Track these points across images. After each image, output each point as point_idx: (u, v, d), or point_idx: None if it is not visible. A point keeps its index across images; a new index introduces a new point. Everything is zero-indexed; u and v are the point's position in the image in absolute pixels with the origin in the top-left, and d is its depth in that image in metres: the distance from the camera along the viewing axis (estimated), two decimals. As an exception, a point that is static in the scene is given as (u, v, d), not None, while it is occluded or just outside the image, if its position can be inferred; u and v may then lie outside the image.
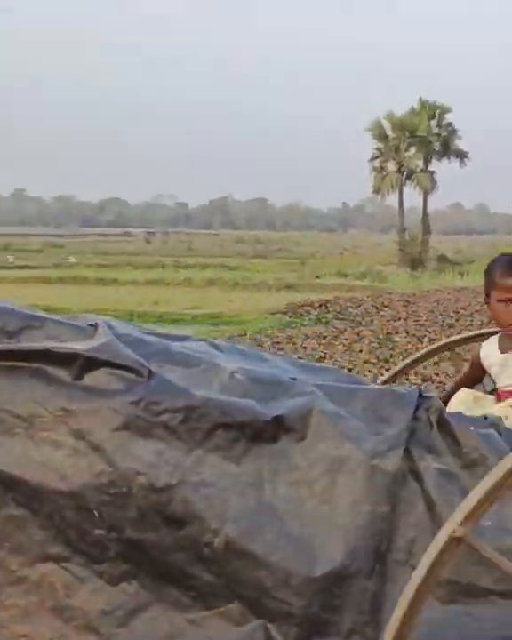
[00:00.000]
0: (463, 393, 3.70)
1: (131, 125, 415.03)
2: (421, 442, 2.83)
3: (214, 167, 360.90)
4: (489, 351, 3.87)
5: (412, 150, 61.72)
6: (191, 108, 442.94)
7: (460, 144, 61.69)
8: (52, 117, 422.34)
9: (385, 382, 4.52)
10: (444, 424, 2.89)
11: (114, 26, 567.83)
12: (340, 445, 2.81)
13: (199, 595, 2.77)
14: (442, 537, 2.42)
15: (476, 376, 4.02)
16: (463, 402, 3.62)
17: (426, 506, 2.74)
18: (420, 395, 2.99)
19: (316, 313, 23.51)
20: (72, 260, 52.21)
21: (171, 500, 2.79)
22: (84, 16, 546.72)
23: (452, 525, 2.42)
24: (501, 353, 3.80)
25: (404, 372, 4.91)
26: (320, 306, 24.91)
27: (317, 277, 38.55)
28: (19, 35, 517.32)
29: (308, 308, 24.40)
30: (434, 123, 61.92)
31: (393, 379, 4.71)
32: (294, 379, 3.07)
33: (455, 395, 3.74)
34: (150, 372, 2.91)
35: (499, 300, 3.70)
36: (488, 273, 3.80)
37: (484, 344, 3.94)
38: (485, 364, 3.89)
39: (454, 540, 2.41)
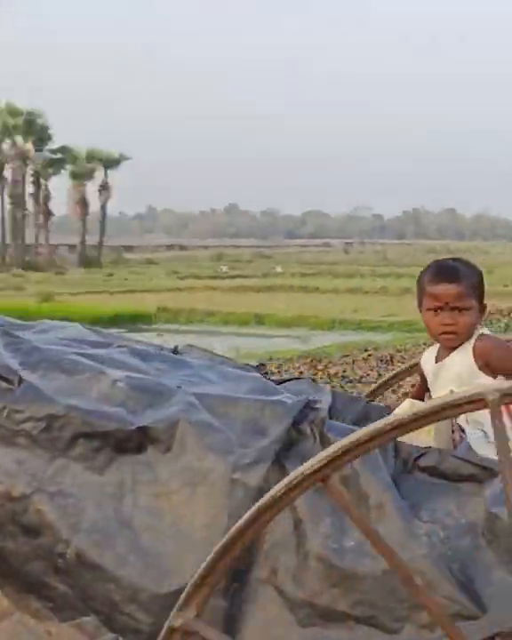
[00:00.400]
0: (406, 404, 3.21)
1: (327, 140, 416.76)
2: (301, 455, 2.50)
3: (407, 179, 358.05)
4: (427, 359, 3.33)
5: None
6: (387, 123, 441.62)
7: None
8: (261, 136, 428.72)
9: (369, 395, 4.14)
10: (326, 437, 2.58)
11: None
12: (203, 457, 2.55)
13: (57, 606, 2.59)
14: (301, 470, 2.07)
15: (425, 385, 3.43)
16: (405, 413, 3.17)
17: (293, 523, 2.43)
18: (306, 406, 2.68)
19: (506, 320, 22.98)
20: (278, 269, 52.76)
21: (26, 510, 2.62)
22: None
23: (312, 463, 2.05)
24: (436, 362, 3.26)
25: (389, 384, 4.37)
26: (510, 313, 24.36)
27: (505, 285, 37.58)
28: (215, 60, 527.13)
29: (498, 315, 23.86)
30: None
31: (381, 390, 4.32)
32: (179, 387, 2.80)
33: (399, 406, 3.28)
34: (20, 379, 2.75)
35: (428, 309, 3.17)
36: (418, 280, 3.27)
37: (425, 352, 3.38)
38: (424, 371, 3.36)
39: (310, 477, 2.04)
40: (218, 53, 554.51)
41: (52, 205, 71.40)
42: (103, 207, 73.77)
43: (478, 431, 2.97)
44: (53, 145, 70.57)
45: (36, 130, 68.07)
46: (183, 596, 2.12)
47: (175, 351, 3.48)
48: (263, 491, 2.40)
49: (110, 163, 71.81)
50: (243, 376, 3.13)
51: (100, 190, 72.53)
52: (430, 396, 3.34)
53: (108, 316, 26.44)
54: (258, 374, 3.29)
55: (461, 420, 2.98)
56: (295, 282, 40.05)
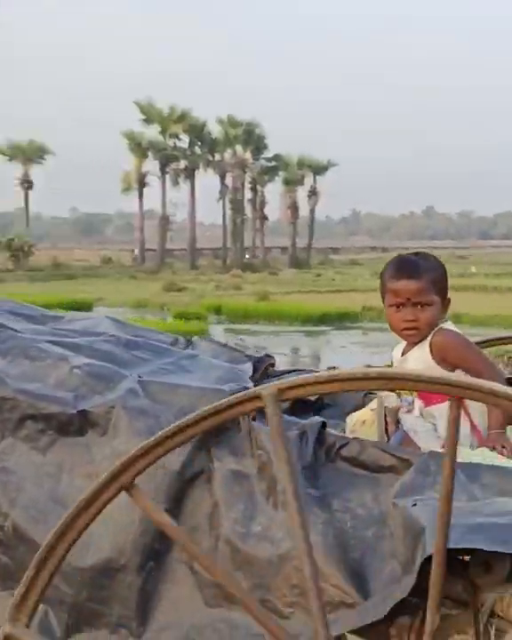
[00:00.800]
0: (376, 400, 2.98)
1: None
2: (229, 443, 2.45)
3: None
4: (395, 353, 3.06)
5: None
6: None
7: None
8: (456, 139, 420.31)
9: None
10: (254, 426, 2.47)
11: None
12: (130, 441, 2.48)
13: (3, 575, 2.58)
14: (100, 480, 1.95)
15: None
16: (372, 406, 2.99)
17: (211, 507, 2.39)
18: None
19: None
20: (473, 270, 52.09)
21: None
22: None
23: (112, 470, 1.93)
24: (401, 356, 3.01)
25: None
26: None
27: None
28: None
29: None
30: None
31: None
32: (130, 374, 2.76)
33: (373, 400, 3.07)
34: None
35: (390, 305, 2.95)
36: (381, 276, 3.04)
37: (396, 347, 3.09)
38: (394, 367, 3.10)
39: (109, 483, 1.94)
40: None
41: (266, 210, 72.91)
42: (312, 211, 74.52)
43: (429, 424, 2.84)
44: (268, 153, 71.67)
45: (253, 139, 69.27)
46: (14, 602, 1.99)
47: (189, 342, 3.46)
48: (183, 474, 2.42)
49: (319, 169, 72.31)
50: (220, 366, 3.02)
51: (309, 195, 73.27)
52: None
53: (317, 314, 26.68)
54: (248, 365, 3.15)
55: (415, 412, 2.87)
56: (489, 282, 39.47)
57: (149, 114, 66.74)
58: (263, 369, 3.25)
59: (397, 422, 2.87)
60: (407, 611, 2.13)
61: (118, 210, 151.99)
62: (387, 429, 2.85)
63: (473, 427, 2.78)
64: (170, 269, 60.20)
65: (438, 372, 1.65)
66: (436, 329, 2.92)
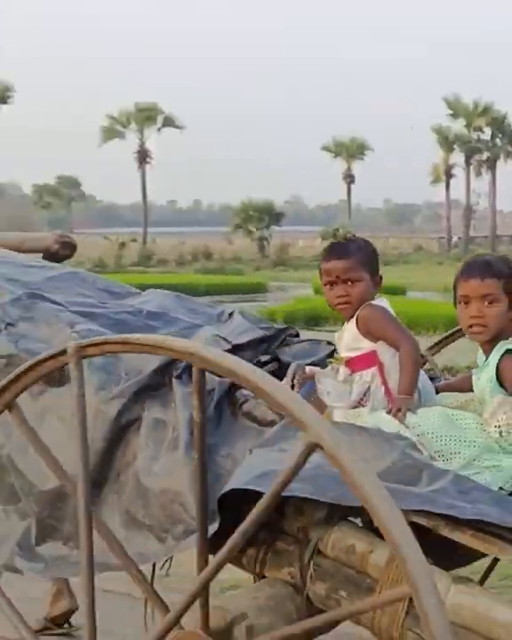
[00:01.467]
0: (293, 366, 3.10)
1: None
2: (161, 397, 2.66)
3: None
4: (342, 328, 3.10)
5: None
6: None
7: None
8: None
9: None
10: (174, 382, 2.67)
11: None
12: (88, 392, 2.54)
13: (8, 494, 2.82)
14: None
15: None
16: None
17: (137, 447, 2.62)
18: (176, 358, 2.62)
19: None
20: None
21: None
22: None
23: None
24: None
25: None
26: None
27: None
28: None
29: None
30: None
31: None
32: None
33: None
34: (6, 325, 3.02)
35: (324, 285, 3.05)
36: (320, 260, 3.15)
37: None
38: None
39: None
40: None
41: None
42: None
43: (347, 388, 2.93)
44: None
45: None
46: None
47: (231, 315, 3.57)
48: (118, 421, 2.62)
49: None
50: (211, 334, 3.16)
51: None
52: None
53: None
54: (250, 333, 3.31)
55: (339, 377, 2.96)
56: None
57: (456, 109, 66.46)
58: (282, 339, 3.38)
59: (302, 384, 2.98)
60: (255, 543, 2.37)
61: (426, 200, 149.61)
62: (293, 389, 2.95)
63: (387, 391, 2.87)
64: (473, 256, 59.03)
65: (161, 338, 1.93)
66: (364, 304, 2.98)
